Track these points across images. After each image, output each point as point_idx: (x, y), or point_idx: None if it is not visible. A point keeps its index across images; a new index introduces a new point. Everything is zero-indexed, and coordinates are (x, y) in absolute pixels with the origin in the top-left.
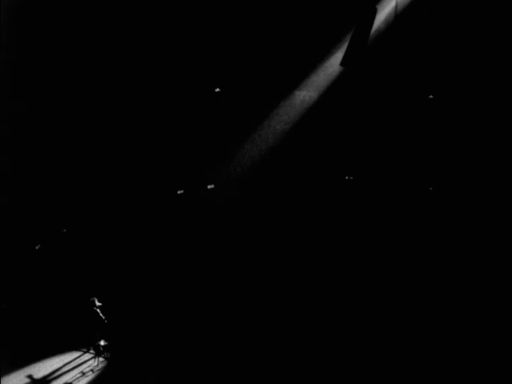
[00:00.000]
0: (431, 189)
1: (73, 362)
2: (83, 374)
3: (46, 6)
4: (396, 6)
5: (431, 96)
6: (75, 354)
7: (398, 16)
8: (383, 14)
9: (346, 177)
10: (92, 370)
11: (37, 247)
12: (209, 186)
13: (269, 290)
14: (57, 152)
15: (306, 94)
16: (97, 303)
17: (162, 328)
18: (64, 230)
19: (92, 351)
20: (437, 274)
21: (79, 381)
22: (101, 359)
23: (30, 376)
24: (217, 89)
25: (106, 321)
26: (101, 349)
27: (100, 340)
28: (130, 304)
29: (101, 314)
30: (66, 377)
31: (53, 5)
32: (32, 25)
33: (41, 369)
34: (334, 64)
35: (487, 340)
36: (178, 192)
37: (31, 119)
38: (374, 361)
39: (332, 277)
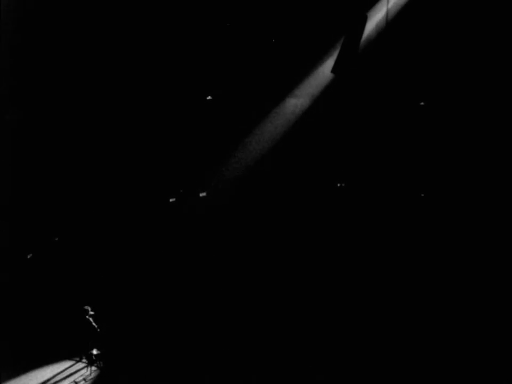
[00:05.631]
0: (422, 195)
1: (65, 372)
2: (76, 383)
3: (44, 14)
4: (387, 14)
5: (422, 103)
6: (68, 363)
7: (389, 24)
8: (374, 21)
9: (338, 184)
10: (84, 379)
11: (28, 256)
12: (201, 194)
13: (262, 297)
14: (47, 160)
15: (298, 101)
16: (90, 312)
17: (155, 336)
18: (56, 239)
19: (84, 360)
20: (430, 280)
21: None
22: (93, 368)
23: None
24: (209, 97)
25: (99, 330)
26: (94, 358)
27: (92, 349)
28: (123, 313)
29: (93, 323)
30: None
31: (49, 13)
32: (30, 31)
33: (33, 379)
34: (325, 71)
35: (477, 343)
36: (170, 200)
37: (24, 127)
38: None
39: (325, 285)
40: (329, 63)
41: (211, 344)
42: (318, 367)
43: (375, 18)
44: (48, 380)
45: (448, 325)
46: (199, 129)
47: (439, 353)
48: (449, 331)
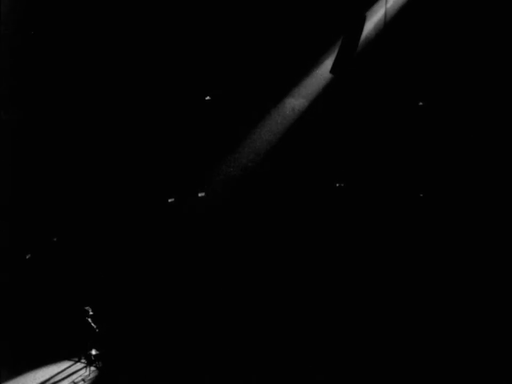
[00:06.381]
0: (421, 195)
1: (64, 372)
2: None
3: (43, 14)
4: (385, 14)
5: (421, 103)
6: (66, 364)
7: (388, 24)
8: (373, 21)
9: (337, 184)
10: (83, 380)
11: (27, 257)
12: (200, 194)
13: (262, 297)
14: (47, 160)
15: (296, 101)
16: (90, 312)
17: (155, 336)
18: (56, 239)
19: (83, 360)
20: (430, 280)
21: None
22: (92, 368)
23: None
24: (208, 97)
25: (97, 330)
26: (93, 358)
27: (91, 349)
28: (122, 313)
29: (92, 324)
30: None
31: (49, 14)
32: (30, 31)
33: (33, 379)
34: (324, 71)
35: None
36: (169, 200)
37: (24, 127)
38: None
39: (325, 285)
40: (328, 64)
41: (211, 344)
42: (318, 367)
43: (374, 18)
44: (47, 380)
45: (448, 324)
46: (198, 129)
47: (439, 353)
48: (449, 331)
